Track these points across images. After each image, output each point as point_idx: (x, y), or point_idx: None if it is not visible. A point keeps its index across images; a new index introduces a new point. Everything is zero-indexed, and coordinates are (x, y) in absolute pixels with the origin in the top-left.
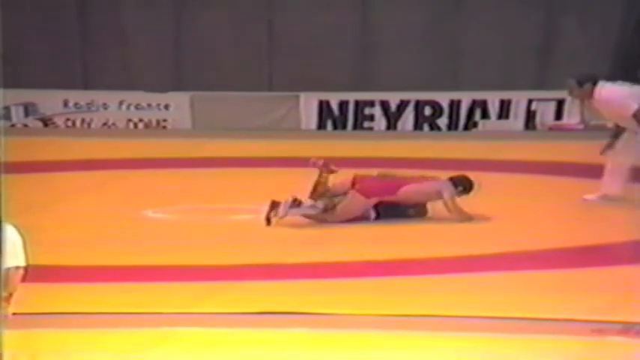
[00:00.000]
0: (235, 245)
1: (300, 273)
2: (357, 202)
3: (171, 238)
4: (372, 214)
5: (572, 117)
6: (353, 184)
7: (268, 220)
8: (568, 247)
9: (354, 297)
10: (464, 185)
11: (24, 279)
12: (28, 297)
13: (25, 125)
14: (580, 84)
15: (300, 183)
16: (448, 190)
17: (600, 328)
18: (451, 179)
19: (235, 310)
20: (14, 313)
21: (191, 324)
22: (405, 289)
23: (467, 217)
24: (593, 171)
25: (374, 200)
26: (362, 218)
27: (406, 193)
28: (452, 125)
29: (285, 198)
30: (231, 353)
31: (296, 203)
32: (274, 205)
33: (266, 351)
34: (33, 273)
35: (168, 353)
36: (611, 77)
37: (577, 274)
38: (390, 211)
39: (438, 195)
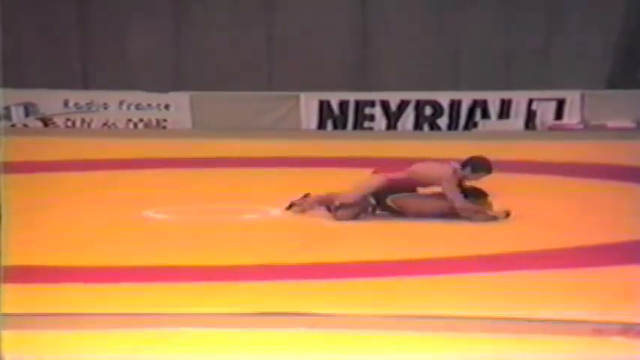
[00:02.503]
0: (235, 245)
1: (300, 273)
2: (365, 177)
3: (172, 238)
4: (372, 201)
5: (572, 117)
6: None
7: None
8: (568, 247)
9: (354, 297)
10: (474, 166)
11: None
12: (28, 297)
13: (25, 125)
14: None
15: (300, 183)
16: (449, 179)
17: (600, 328)
18: (465, 162)
19: (235, 310)
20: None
21: (191, 324)
22: (405, 289)
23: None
24: (593, 171)
25: (382, 176)
26: (364, 210)
27: (415, 170)
28: (452, 125)
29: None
30: (231, 353)
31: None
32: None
33: (266, 351)
34: (33, 273)
35: (169, 353)
36: (612, 77)
37: (577, 274)
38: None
39: (439, 180)
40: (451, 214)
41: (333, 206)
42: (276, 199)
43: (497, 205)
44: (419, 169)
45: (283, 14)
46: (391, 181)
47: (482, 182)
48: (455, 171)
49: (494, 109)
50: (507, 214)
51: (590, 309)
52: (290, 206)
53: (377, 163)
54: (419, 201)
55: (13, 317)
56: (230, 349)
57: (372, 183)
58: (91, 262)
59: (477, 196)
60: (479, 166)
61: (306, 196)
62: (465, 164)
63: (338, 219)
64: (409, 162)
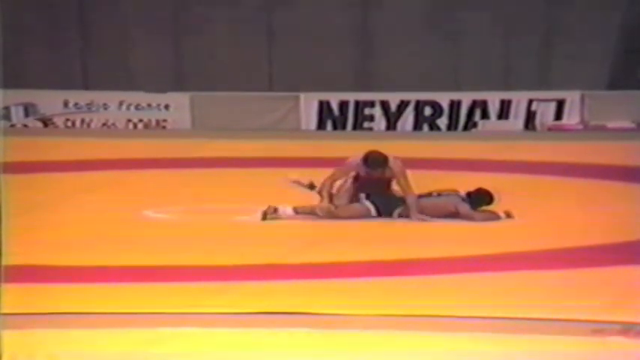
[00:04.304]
0: (235, 245)
1: (300, 273)
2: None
3: (172, 238)
4: (373, 211)
5: (571, 118)
6: None
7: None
8: (568, 247)
9: (354, 297)
10: (367, 162)
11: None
12: (28, 297)
13: (25, 125)
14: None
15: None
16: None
17: (600, 328)
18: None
19: (235, 310)
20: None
21: (191, 324)
22: (405, 289)
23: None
24: (592, 171)
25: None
26: (363, 216)
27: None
28: (452, 125)
29: (284, 199)
30: (231, 353)
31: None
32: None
33: (266, 351)
34: (33, 273)
35: (168, 353)
36: (612, 77)
37: (577, 274)
38: (386, 204)
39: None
40: (454, 215)
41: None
42: (276, 200)
43: (498, 205)
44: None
45: (283, 14)
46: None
47: (484, 183)
48: (357, 165)
49: (493, 109)
50: (509, 215)
51: (590, 309)
52: (264, 216)
53: None
54: (423, 207)
55: (13, 317)
56: (230, 349)
57: (353, 160)
58: (91, 262)
59: (480, 199)
60: (371, 161)
61: (276, 209)
62: (363, 160)
63: (336, 207)
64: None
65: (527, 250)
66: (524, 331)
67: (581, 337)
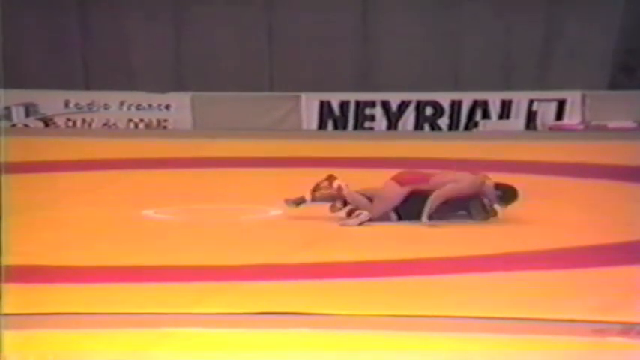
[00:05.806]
0: (235, 245)
1: (300, 273)
2: (391, 189)
3: (172, 238)
4: (394, 217)
5: (572, 117)
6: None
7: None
8: (568, 247)
9: (354, 297)
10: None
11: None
12: (28, 297)
13: (26, 125)
14: None
15: (301, 183)
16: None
17: (600, 328)
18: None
19: (235, 310)
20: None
21: (191, 324)
22: (405, 289)
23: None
24: (593, 171)
25: (408, 188)
26: (384, 220)
27: (438, 182)
28: (453, 125)
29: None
30: (231, 353)
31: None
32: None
33: (266, 351)
34: (33, 273)
35: (169, 353)
36: (613, 77)
37: (577, 274)
38: (411, 214)
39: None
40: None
41: (341, 208)
42: (276, 199)
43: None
44: (444, 181)
45: (284, 14)
46: (414, 191)
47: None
48: (482, 184)
49: (494, 109)
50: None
51: (590, 309)
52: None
53: (378, 164)
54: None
55: (14, 317)
56: (230, 349)
57: (397, 197)
58: (91, 262)
59: (505, 195)
60: (504, 195)
61: (301, 200)
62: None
63: (342, 225)
64: (422, 168)
65: (527, 250)
66: (524, 331)
67: (581, 337)
